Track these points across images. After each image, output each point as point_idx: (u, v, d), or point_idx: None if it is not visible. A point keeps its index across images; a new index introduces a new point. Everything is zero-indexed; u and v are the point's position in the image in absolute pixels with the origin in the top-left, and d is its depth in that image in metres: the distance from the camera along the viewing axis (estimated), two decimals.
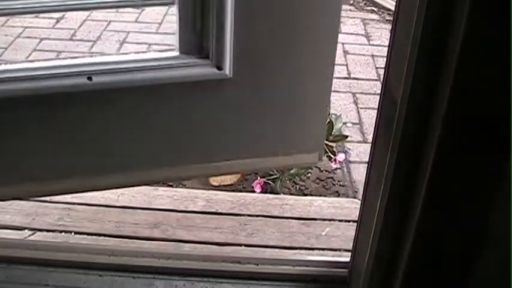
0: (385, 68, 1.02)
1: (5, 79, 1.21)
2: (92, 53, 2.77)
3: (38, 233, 1.59)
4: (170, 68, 1.24)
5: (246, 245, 1.56)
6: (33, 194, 1.39)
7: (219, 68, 1.22)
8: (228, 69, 1.22)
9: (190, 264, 1.29)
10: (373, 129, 1.14)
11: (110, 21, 3.24)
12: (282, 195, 1.94)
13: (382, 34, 3.30)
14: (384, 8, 3.68)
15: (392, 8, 0.95)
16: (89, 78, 1.22)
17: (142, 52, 2.31)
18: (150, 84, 1.26)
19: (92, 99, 1.27)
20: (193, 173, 1.44)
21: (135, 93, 1.28)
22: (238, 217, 1.68)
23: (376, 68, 2.94)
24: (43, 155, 1.32)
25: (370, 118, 2.53)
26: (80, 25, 3.16)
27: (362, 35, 3.30)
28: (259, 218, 1.68)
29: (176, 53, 1.24)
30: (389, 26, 0.93)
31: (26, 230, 1.60)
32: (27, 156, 1.31)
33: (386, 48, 1.02)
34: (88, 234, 1.59)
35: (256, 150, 1.39)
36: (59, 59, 2.27)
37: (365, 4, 3.76)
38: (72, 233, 1.60)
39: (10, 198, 1.42)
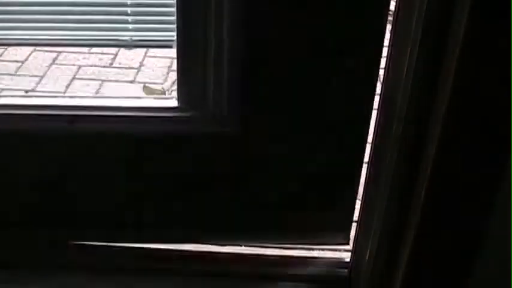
0: (384, 69, 1.02)
1: None
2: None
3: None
4: (167, 121, 1.12)
5: (246, 245, 1.56)
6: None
7: (223, 124, 1.10)
8: (232, 124, 1.10)
9: (191, 264, 1.29)
10: (373, 130, 1.13)
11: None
12: None
13: None
14: None
15: (392, 8, 0.95)
16: (70, 122, 1.10)
17: (138, 98, 2.05)
18: (143, 137, 1.13)
19: (73, 144, 1.15)
20: (183, 237, 1.31)
21: (122, 144, 1.14)
22: None
23: None
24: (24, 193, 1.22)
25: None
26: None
27: None
28: None
29: (174, 103, 1.12)
30: (389, 26, 0.93)
31: None
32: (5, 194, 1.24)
33: (386, 49, 1.02)
34: None
35: (270, 222, 1.26)
36: (38, 97, 2.03)
37: None
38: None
39: None
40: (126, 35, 1.92)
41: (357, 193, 1.21)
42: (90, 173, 1.21)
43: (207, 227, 1.28)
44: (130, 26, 1.88)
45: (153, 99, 1.51)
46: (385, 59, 1.02)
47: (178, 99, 1.11)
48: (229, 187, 1.21)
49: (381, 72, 1.09)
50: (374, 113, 1.12)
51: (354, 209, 1.23)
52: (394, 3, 0.95)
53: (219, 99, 1.08)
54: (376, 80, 1.12)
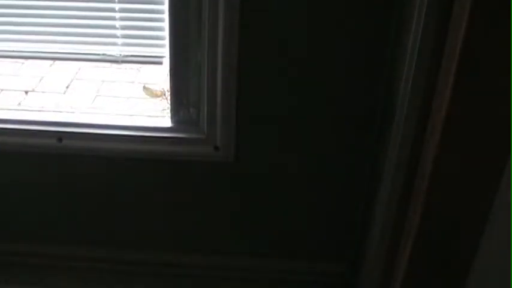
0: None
1: None
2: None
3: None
4: (159, 142, 1.07)
5: None
6: None
7: (216, 147, 1.05)
8: (227, 150, 1.05)
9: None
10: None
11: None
12: None
13: None
14: None
15: None
16: (59, 140, 1.07)
17: (129, 115, 2.04)
18: (134, 157, 1.10)
19: (61, 161, 1.12)
20: (174, 260, 1.26)
21: (113, 164, 1.12)
22: None
23: None
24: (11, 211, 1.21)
25: None
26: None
27: None
28: None
29: (167, 124, 1.09)
30: None
31: None
32: None
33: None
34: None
35: (266, 248, 1.23)
36: (27, 110, 1.95)
37: None
38: None
39: None
40: (114, 50, 1.90)
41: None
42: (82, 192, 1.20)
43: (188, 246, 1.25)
44: (119, 41, 1.86)
45: (146, 118, 1.49)
46: None
47: (172, 119, 1.08)
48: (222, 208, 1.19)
49: None
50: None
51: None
52: None
53: (212, 121, 1.04)
54: None
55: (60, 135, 1.07)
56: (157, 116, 1.31)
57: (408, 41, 0.87)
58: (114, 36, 1.85)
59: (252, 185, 1.12)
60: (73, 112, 1.95)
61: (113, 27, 1.82)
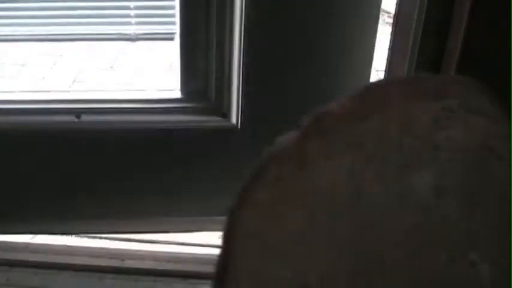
0: (385, 71, 1.02)
1: None
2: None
3: (39, 236, 1.59)
4: (170, 112, 1.13)
5: None
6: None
7: (224, 115, 1.11)
8: (234, 117, 1.12)
9: (191, 267, 1.29)
10: None
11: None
12: None
13: (382, 37, 3.28)
14: (383, 10, 3.67)
15: (393, 11, 0.95)
16: (77, 116, 1.11)
17: (141, 91, 2.11)
18: (147, 127, 1.14)
19: (80, 139, 1.16)
20: (190, 227, 1.32)
21: (128, 136, 1.15)
22: None
23: (376, 70, 2.93)
24: (28, 189, 1.23)
25: None
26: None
27: None
28: None
29: (177, 95, 1.14)
30: (389, 29, 0.94)
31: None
32: (11, 190, 1.25)
33: (386, 51, 1.02)
34: (89, 237, 1.59)
35: None
36: (47, 91, 2.12)
37: None
38: (73, 236, 1.60)
39: None
40: (129, 29, 1.98)
41: None
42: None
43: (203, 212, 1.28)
44: (133, 21, 1.93)
45: (158, 91, 1.56)
46: (385, 61, 1.02)
47: (182, 90, 1.13)
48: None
49: (381, 74, 1.09)
50: None
51: None
52: (394, 6, 0.95)
53: (220, 91, 1.10)
54: None
55: (78, 112, 1.12)
56: (168, 90, 1.37)
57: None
58: (129, 16, 1.92)
59: (257, 149, 1.16)
60: (90, 90, 2.06)
61: (127, 7, 1.89)
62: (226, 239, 0.48)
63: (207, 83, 1.11)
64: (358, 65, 1.11)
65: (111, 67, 2.40)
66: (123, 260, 1.28)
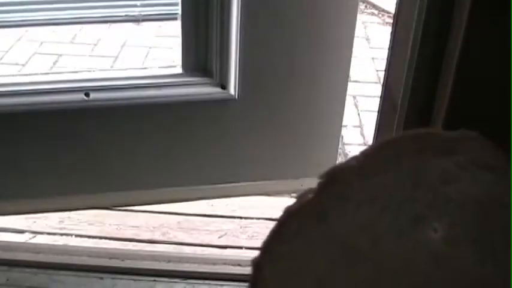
0: (385, 71, 1.02)
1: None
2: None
3: (39, 236, 1.59)
4: (173, 86, 1.19)
5: (246, 248, 1.56)
6: (28, 210, 1.39)
7: (223, 86, 1.18)
8: (232, 88, 1.19)
9: (191, 267, 1.29)
10: (373, 132, 1.14)
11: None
12: (283, 198, 1.93)
13: (382, 37, 3.30)
14: (384, 10, 3.68)
15: (393, 11, 0.95)
16: (86, 95, 1.18)
17: (144, 68, 2.35)
18: (151, 102, 1.20)
19: (89, 116, 1.21)
20: (192, 196, 1.38)
21: (134, 112, 1.22)
22: (239, 220, 1.68)
23: (376, 70, 2.94)
24: (39, 169, 1.28)
25: (370, 121, 2.52)
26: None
27: (362, 37, 3.30)
28: (260, 220, 1.68)
29: (179, 70, 1.21)
30: (389, 29, 0.95)
31: (27, 233, 1.60)
32: (20, 171, 1.29)
33: (386, 51, 1.02)
34: (88, 237, 1.59)
35: (263, 173, 1.33)
36: (57, 73, 2.30)
37: (365, 7, 3.76)
38: (73, 236, 1.60)
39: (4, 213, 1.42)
40: (135, 11, 2.14)
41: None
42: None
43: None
44: (138, 3, 2.06)
45: (161, 68, 1.68)
46: (385, 61, 1.02)
47: (183, 66, 1.21)
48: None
49: (381, 75, 1.10)
50: (374, 116, 1.12)
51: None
52: (394, 6, 0.95)
53: (219, 66, 1.18)
54: None
55: (87, 90, 1.19)
56: (170, 66, 1.43)
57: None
58: None
59: (255, 119, 1.28)
60: (98, 70, 2.27)
61: None
62: None
63: (207, 58, 1.18)
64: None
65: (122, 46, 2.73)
66: (123, 260, 1.28)
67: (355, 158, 0.53)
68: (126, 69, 2.48)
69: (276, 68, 1.20)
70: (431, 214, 0.50)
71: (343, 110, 1.30)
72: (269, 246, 0.52)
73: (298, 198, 0.53)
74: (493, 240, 0.50)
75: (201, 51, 1.17)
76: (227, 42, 1.15)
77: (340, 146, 2.37)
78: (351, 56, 1.25)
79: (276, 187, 1.38)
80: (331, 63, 1.23)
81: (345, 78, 1.27)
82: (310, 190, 0.52)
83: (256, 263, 0.53)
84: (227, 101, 1.20)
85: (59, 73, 2.32)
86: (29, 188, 1.30)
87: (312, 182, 1.36)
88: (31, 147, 1.26)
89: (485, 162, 0.53)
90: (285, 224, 0.52)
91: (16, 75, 2.39)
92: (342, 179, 0.52)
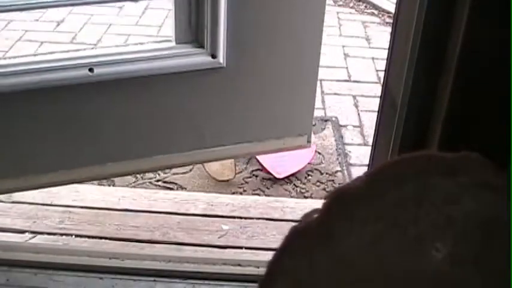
0: (385, 71, 1.02)
1: (8, 73, 1.23)
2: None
3: (39, 236, 1.59)
4: (168, 58, 1.29)
5: (246, 248, 1.56)
6: (34, 186, 1.41)
7: (214, 56, 1.29)
8: (221, 57, 1.29)
9: (191, 267, 1.29)
10: (373, 132, 1.14)
11: (110, 24, 3.26)
12: (282, 198, 1.94)
13: (383, 37, 3.30)
14: (384, 10, 3.68)
15: (393, 11, 0.95)
16: (91, 70, 1.26)
17: (141, 43, 2.47)
18: (149, 74, 1.29)
19: (93, 90, 1.29)
20: (187, 160, 1.48)
21: (134, 84, 1.31)
22: (238, 220, 1.68)
23: (377, 70, 2.94)
24: (44, 146, 1.34)
25: (370, 121, 2.52)
26: (81, 28, 3.20)
27: (362, 37, 3.30)
28: (260, 220, 1.68)
29: (172, 44, 1.30)
30: (389, 29, 0.94)
31: (27, 233, 1.60)
32: (30, 147, 1.33)
33: (386, 51, 1.02)
34: (88, 237, 1.59)
35: (249, 135, 1.44)
36: (61, 52, 2.44)
37: (365, 7, 3.76)
38: (73, 236, 1.60)
39: (13, 191, 1.46)
40: None
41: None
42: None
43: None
44: None
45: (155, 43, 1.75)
46: (385, 61, 1.02)
47: (176, 39, 1.28)
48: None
49: (381, 75, 1.10)
50: (374, 116, 1.12)
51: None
52: (395, 6, 0.95)
53: (209, 37, 1.26)
54: None
55: (91, 66, 1.26)
56: (164, 40, 1.50)
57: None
58: None
59: (242, 84, 1.38)
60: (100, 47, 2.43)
61: None
62: None
63: (198, 31, 1.27)
64: None
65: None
66: (123, 260, 1.28)
67: (358, 178, 0.54)
68: (126, 45, 2.75)
69: (260, 37, 1.31)
70: (434, 233, 0.51)
71: (318, 67, 1.40)
72: (276, 264, 0.54)
73: (304, 217, 0.54)
74: (494, 259, 0.50)
75: (193, 25, 1.27)
76: (216, 16, 1.24)
77: (340, 145, 2.38)
78: (322, 21, 1.35)
79: (260, 147, 1.48)
80: (308, 28, 1.34)
81: (319, 33, 1.36)
82: (315, 210, 0.53)
83: (263, 280, 0.55)
84: (217, 69, 1.31)
85: (65, 51, 2.48)
86: (34, 164, 1.35)
87: (292, 141, 1.43)
88: (36, 125, 1.32)
89: (486, 182, 0.54)
90: (292, 242, 0.54)
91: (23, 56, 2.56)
92: (347, 199, 0.53)
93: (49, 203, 1.73)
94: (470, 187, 0.53)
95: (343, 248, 0.51)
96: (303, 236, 0.53)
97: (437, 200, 0.52)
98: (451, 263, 0.49)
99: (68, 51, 2.62)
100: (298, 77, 1.39)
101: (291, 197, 2.08)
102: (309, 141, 1.47)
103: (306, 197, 2.10)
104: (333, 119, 2.55)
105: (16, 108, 1.29)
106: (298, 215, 1.73)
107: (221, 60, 1.30)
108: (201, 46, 1.29)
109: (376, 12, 3.69)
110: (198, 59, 1.29)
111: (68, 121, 1.34)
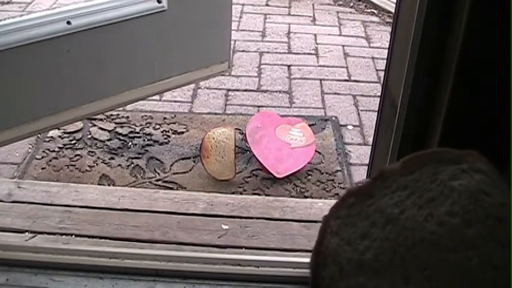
0: (385, 71, 1.02)
1: None
2: None
3: (39, 236, 1.59)
4: (129, 5, 1.58)
5: (246, 248, 1.56)
6: (28, 134, 1.59)
7: (159, 1, 1.64)
8: (165, 2, 1.63)
9: (191, 267, 1.29)
10: (373, 132, 1.14)
11: None
12: (282, 198, 1.94)
13: (383, 36, 3.30)
14: (384, 10, 3.68)
15: (393, 11, 0.95)
16: (68, 23, 1.47)
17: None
18: (116, 21, 1.55)
19: (72, 41, 1.52)
20: (142, 94, 1.76)
21: (105, 31, 1.56)
22: (238, 219, 1.68)
23: (377, 70, 2.94)
24: (34, 96, 1.53)
25: (370, 120, 2.52)
26: None
27: (362, 37, 3.30)
28: (260, 220, 1.68)
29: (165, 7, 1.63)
30: (389, 29, 0.93)
31: (27, 233, 1.60)
32: (20, 99, 1.51)
33: (386, 51, 1.02)
34: (88, 236, 1.59)
35: (188, 65, 1.77)
36: (41, 10, 2.63)
37: (365, 6, 3.76)
38: (73, 236, 1.60)
39: (8, 142, 1.60)
40: None
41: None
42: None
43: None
44: None
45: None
46: (385, 61, 1.02)
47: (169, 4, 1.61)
48: None
49: (381, 74, 1.10)
50: (374, 116, 1.12)
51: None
52: (395, 6, 0.95)
53: None
54: None
55: (68, 19, 1.47)
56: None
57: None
58: None
59: (181, 23, 1.69)
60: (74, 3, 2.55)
61: None
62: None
63: None
64: None
65: None
66: (123, 260, 1.28)
67: (396, 163, 0.85)
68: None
69: None
70: (441, 197, 0.80)
71: (231, 6, 1.76)
72: (334, 210, 0.86)
73: (356, 184, 0.96)
74: (479, 216, 0.79)
75: None
76: None
77: (340, 145, 2.38)
78: None
79: (197, 75, 1.79)
80: None
81: None
82: (362, 181, 0.87)
83: (325, 218, 0.88)
84: (162, 12, 1.61)
85: (43, 10, 2.69)
86: (25, 113, 1.53)
87: (217, 67, 1.83)
88: (19, 78, 1.48)
89: (479, 168, 0.81)
90: (346, 198, 0.85)
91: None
92: (386, 174, 0.84)
93: (49, 202, 1.73)
94: (468, 170, 0.81)
95: (379, 204, 0.82)
96: (353, 194, 0.85)
97: (445, 177, 0.80)
98: (449, 215, 0.78)
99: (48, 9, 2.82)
100: (219, 16, 1.75)
101: (291, 196, 2.08)
102: (229, 67, 1.86)
103: (306, 197, 2.10)
104: (333, 118, 2.55)
105: (2, 66, 1.43)
106: (298, 215, 1.73)
107: (164, 5, 1.62)
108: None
109: (376, 12, 3.69)
110: (149, 4, 1.60)
111: (48, 71, 1.51)
